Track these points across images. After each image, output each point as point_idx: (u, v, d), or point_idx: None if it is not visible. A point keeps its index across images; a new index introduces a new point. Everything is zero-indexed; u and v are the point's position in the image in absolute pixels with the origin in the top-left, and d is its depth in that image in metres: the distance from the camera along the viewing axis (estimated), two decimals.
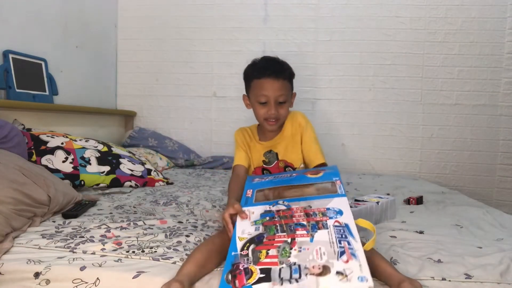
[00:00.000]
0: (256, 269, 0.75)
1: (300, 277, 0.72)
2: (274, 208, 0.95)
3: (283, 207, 0.95)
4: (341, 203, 0.92)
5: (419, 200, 1.65)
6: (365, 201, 1.30)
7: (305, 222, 0.86)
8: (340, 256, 0.74)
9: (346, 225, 0.83)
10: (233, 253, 0.81)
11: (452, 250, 1.01)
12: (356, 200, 1.32)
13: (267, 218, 0.91)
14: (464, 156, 2.70)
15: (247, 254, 0.80)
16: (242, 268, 0.76)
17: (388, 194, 1.67)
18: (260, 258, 0.78)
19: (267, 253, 0.79)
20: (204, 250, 0.91)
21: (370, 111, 2.77)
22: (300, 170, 1.20)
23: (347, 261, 0.73)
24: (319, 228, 0.83)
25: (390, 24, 2.72)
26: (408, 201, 1.64)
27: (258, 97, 1.25)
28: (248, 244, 0.83)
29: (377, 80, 2.75)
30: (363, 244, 0.79)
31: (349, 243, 0.77)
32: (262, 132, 1.37)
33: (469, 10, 2.65)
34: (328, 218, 0.86)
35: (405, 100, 2.74)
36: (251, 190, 1.08)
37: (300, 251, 0.78)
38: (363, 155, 2.80)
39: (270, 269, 0.75)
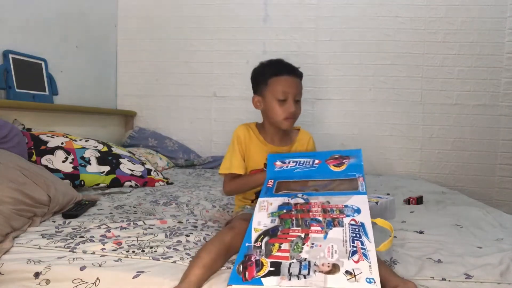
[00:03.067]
0: (267, 262, 0.76)
1: (308, 273, 0.72)
2: (292, 201, 0.94)
3: (302, 201, 0.94)
4: (360, 201, 0.90)
5: (419, 200, 1.65)
6: None
7: (321, 218, 0.86)
8: (351, 256, 0.74)
9: (362, 224, 0.83)
10: (247, 244, 0.82)
11: (452, 250, 1.01)
12: None
13: (284, 210, 0.91)
14: (464, 156, 2.70)
15: (260, 246, 0.80)
16: (253, 260, 0.77)
17: (388, 194, 1.67)
18: (272, 251, 0.78)
19: (280, 247, 0.79)
20: (212, 250, 0.88)
21: (370, 111, 2.77)
22: (322, 154, 1.13)
23: (357, 261, 0.73)
24: (334, 226, 0.83)
25: (390, 24, 2.72)
26: (408, 201, 1.64)
27: (277, 93, 1.20)
28: (262, 236, 0.83)
29: (377, 80, 2.75)
30: (378, 245, 0.78)
31: (362, 243, 0.77)
32: (267, 133, 1.30)
33: (469, 10, 2.65)
34: (345, 215, 0.86)
35: (405, 100, 2.74)
36: (272, 181, 1.06)
37: (312, 247, 0.78)
38: (363, 155, 2.79)
39: (280, 263, 0.75)
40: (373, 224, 0.84)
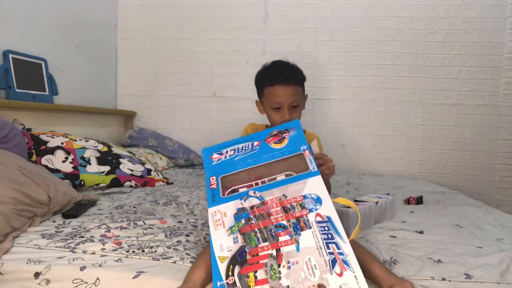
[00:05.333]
0: None
1: None
2: (247, 204, 0.86)
3: (256, 201, 0.87)
4: (316, 185, 0.86)
5: (419, 200, 1.65)
6: (364, 201, 1.30)
7: (285, 222, 0.81)
8: (333, 268, 0.71)
9: (329, 219, 0.79)
10: (219, 284, 0.74)
11: (452, 250, 1.01)
12: (355, 201, 1.32)
13: (243, 221, 0.83)
14: (464, 156, 2.70)
15: (235, 283, 0.73)
16: None
17: (388, 194, 1.67)
18: (251, 287, 0.72)
19: (256, 277, 0.73)
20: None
21: (370, 111, 2.77)
22: (260, 134, 1.06)
23: (341, 274, 0.70)
24: (302, 229, 0.79)
25: (390, 24, 2.72)
26: (408, 201, 1.64)
27: (271, 104, 1.26)
28: (231, 267, 0.76)
29: (377, 80, 2.75)
30: (348, 235, 0.77)
31: (337, 246, 0.74)
32: None
33: (469, 10, 2.65)
34: (307, 211, 0.82)
35: (405, 100, 2.74)
36: (215, 178, 0.96)
37: (289, 267, 0.73)
38: (363, 155, 2.80)
39: None
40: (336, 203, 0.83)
